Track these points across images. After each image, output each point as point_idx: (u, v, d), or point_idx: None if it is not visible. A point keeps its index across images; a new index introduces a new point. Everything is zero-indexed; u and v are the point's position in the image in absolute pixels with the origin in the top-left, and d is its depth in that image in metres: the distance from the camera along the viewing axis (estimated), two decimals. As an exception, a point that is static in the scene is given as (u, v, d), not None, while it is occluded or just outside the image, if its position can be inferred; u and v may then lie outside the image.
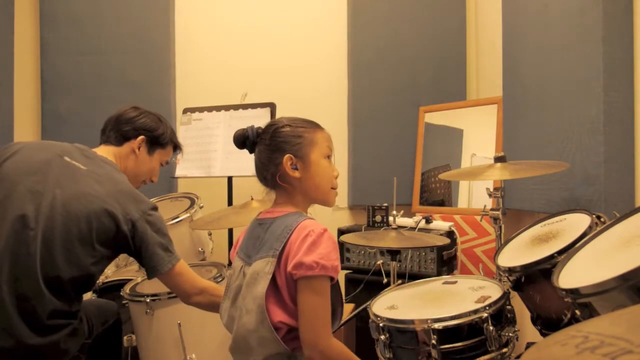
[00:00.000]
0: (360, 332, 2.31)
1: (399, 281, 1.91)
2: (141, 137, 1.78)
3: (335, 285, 1.30)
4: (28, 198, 1.50)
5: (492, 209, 1.87)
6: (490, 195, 1.89)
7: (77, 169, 1.59)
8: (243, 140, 1.37)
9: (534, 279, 1.44)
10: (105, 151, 1.74)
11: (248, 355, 1.30)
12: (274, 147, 1.33)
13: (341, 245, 2.40)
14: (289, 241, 1.26)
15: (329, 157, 1.38)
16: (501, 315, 1.47)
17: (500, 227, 1.87)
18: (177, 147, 1.93)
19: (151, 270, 1.60)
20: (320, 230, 1.26)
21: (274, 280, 1.26)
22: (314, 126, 1.38)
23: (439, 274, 2.22)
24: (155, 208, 1.63)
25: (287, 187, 1.35)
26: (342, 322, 1.64)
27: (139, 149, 1.78)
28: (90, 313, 1.74)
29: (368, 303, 1.61)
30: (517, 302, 1.55)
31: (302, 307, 1.24)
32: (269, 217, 1.36)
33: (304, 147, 1.33)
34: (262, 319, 1.24)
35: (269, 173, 1.34)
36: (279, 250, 1.26)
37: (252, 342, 1.27)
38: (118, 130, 1.77)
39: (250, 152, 1.39)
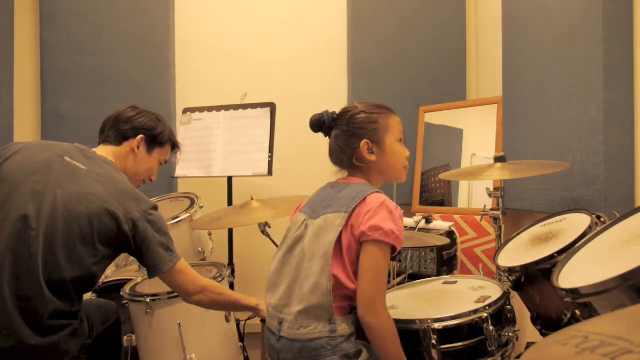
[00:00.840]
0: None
1: (400, 278, 1.91)
2: (140, 137, 1.78)
3: None
4: (29, 198, 1.49)
5: (492, 209, 1.87)
6: (490, 195, 1.90)
7: (78, 169, 1.59)
8: (319, 125, 1.47)
9: (534, 279, 1.44)
10: (104, 151, 1.74)
11: (290, 305, 1.36)
12: (351, 133, 1.43)
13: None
14: (362, 203, 1.34)
15: (401, 140, 1.48)
16: (501, 315, 1.47)
17: (500, 227, 1.87)
18: (175, 146, 1.93)
19: (152, 269, 1.60)
20: (395, 205, 1.35)
21: (339, 236, 1.32)
22: (387, 111, 1.49)
23: (439, 274, 2.21)
24: (155, 207, 1.63)
25: (362, 167, 1.44)
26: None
27: (138, 148, 1.78)
28: (91, 313, 1.73)
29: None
30: (517, 302, 1.55)
31: (367, 267, 1.30)
32: (343, 182, 1.45)
33: (379, 132, 1.44)
34: (323, 266, 1.31)
35: (346, 156, 1.44)
36: (351, 208, 1.33)
37: (305, 287, 1.33)
38: (117, 130, 1.77)
39: (326, 135, 1.48)
